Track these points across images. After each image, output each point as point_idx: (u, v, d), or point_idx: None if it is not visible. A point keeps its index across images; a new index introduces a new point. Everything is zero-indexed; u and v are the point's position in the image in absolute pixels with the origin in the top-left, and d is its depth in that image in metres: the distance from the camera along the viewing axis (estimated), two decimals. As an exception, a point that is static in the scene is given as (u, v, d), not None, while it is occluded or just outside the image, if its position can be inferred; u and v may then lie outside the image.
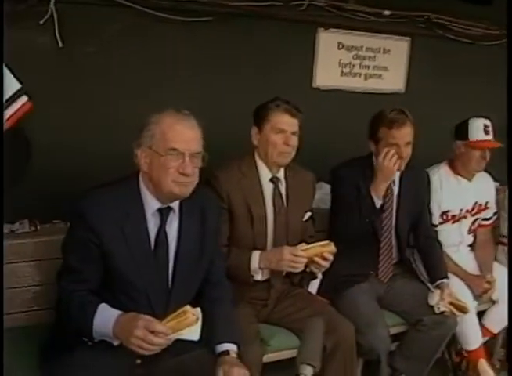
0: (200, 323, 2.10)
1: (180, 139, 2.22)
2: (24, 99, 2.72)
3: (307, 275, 3.04)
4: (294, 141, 2.91)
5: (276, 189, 3.00)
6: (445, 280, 3.37)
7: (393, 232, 3.39)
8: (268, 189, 2.99)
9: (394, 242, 3.42)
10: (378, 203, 3.22)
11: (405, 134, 3.18)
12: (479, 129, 3.58)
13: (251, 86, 3.74)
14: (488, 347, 3.91)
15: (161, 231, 2.31)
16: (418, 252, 3.63)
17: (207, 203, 2.49)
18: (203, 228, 2.44)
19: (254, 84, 3.76)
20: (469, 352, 3.64)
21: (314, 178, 3.22)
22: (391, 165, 3.15)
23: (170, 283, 2.35)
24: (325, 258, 2.81)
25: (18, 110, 2.67)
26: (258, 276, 2.89)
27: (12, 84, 2.65)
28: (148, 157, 2.24)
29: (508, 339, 3.52)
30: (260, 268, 2.85)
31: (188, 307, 2.08)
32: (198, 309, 2.11)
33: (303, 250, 2.78)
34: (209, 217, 2.47)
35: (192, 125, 2.27)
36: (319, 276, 3.04)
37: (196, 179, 2.30)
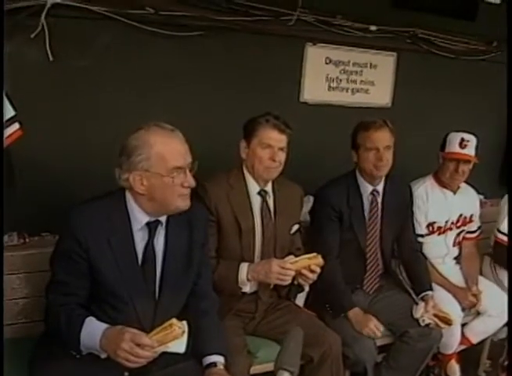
0: (186, 335, 2.10)
1: (178, 156, 2.22)
2: (16, 126, 2.69)
3: (294, 288, 3.04)
4: (281, 157, 2.92)
5: (264, 202, 3.01)
6: (429, 292, 3.38)
7: (378, 244, 3.42)
8: (256, 202, 3.00)
9: (379, 254, 3.45)
10: (367, 219, 3.34)
11: (383, 137, 3.23)
12: (455, 142, 3.61)
13: (239, 100, 3.76)
14: (474, 357, 3.99)
15: (149, 245, 2.31)
16: (402, 264, 3.65)
17: (194, 215, 2.48)
18: (191, 240, 2.45)
19: (242, 97, 3.78)
20: (443, 354, 3.71)
21: (302, 191, 3.23)
22: None
23: (157, 295, 2.35)
24: (312, 271, 2.82)
25: (8, 137, 2.64)
26: (246, 288, 2.89)
27: (6, 111, 2.63)
28: (146, 180, 2.22)
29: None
30: (248, 280, 2.85)
31: (174, 320, 2.09)
32: (184, 322, 2.11)
33: (291, 263, 2.79)
34: (196, 229, 2.47)
35: (182, 139, 2.28)
36: (306, 288, 3.05)
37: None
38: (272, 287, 3.07)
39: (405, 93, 4.48)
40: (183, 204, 2.28)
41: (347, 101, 4.28)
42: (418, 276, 3.51)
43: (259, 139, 2.89)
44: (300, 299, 3.31)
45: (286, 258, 2.84)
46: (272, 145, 2.88)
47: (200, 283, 2.54)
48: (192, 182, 2.26)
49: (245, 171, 2.99)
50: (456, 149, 3.61)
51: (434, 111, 4.62)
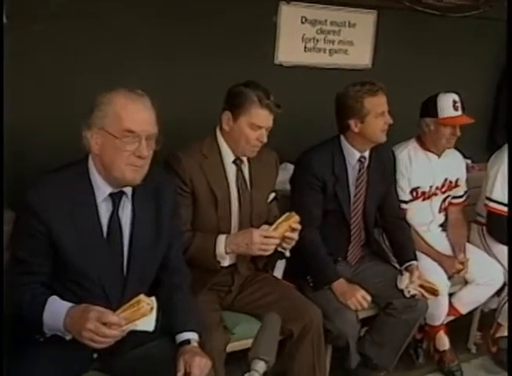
0: (154, 312, 2.07)
1: (135, 120, 2.18)
2: None
3: (274, 257, 3.05)
4: (266, 137, 2.91)
5: (239, 171, 3.00)
6: (414, 262, 3.40)
7: (362, 213, 3.43)
8: (231, 171, 2.98)
9: (362, 224, 3.46)
10: (352, 188, 3.36)
11: (386, 100, 3.29)
12: (448, 105, 3.61)
13: (211, 63, 3.70)
14: (463, 329, 4.04)
15: (114, 217, 2.28)
16: (385, 233, 3.67)
17: (162, 185, 2.47)
18: (159, 211, 2.42)
19: (214, 61, 3.71)
20: (430, 326, 3.75)
21: (277, 157, 3.23)
22: None
23: (125, 270, 2.32)
24: (294, 230, 2.83)
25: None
26: (225, 262, 2.87)
27: None
28: (100, 139, 2.20)
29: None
30: (226, 253, 2.84)
31: (142, 296, 2.07)
32: (153, 298, 2.08)
33: (274, 229, 2.79)
34: (165, 200, 2.45)
35: (146, 106, 2.23)
36: (288, 254, 3.01)
37: (148, 164, 2.27)
38: (250, 258, 3.08)
39: (387, 54, 4.44)
40: (131, 175, 2.22)
41: (324, 62, 4.22)
42: (402, 245, 3.53)
43: (249, 118, 2.84)
44: (278, 270, 3.33)
45: (264, 227, 2.83)
46: (262, 126, 2.86)
47: (170, 257, 2.52)
48: (145, 153, 2.19)
49: (220, 140, 2.96)
50: (452, 112, 3.61)
51: (417, 73, 4.59)
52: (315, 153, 3.34)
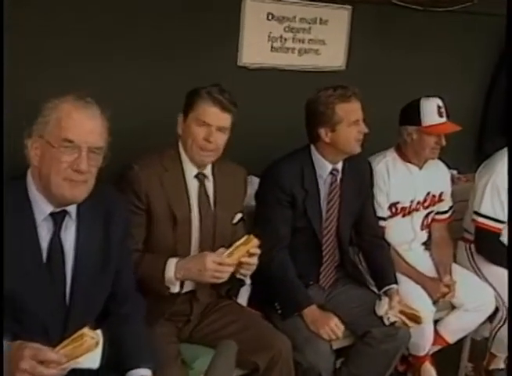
0: (100, 347, 2.06)
1: (77, 129, 2.20)
2: None
3: (235, 283, 3.09)
4: (219, 138, 2.93)
5: (202, 187, 3.04)
6: (394, 286, 3.46)
7: (335, 231, 3.49)
8: (193, 187, 3.02)
9: (336, 243, 3.52)
10: (324, 203, 3.40)
11: (360, 106, 3.34)
12: (432, 111, 3.68)
13: (166, 66, 3.72)
14: (453, 360, 4.09)
15: (55, 239, 2.27)
16: (362, 253, 3.74)
17: (113, 204, 2.48)
18: (108, 234, 2.43)
19: (170, 63, 3.74)
20: (414, 357, 3.80)
21: (245, 174, 3.28)
22: None
23: (67, 300, 2.31)
24: (252, 255, 2.86)
25: None
26: (175, 288, 2.89)
27: None
28: (39, 149, 2.22)
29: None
30: (176, 278, 2.86)
31: (86, 329, 2.06)
32: (98, 331, 2.08)
33: (228, 256, 2.81)
34: (115, 221, 2.46)
35: (93, 115, 2.25)
36: (248, 281, 3.08)
37: (91, 181, 2.28)
38: (210, 284, 3.09)
39: (363, 54, 4.50)
40: (69, 192, 2.22)
41: (293, 64, 4.27)
42: (380, 266, 3.59)
43: (196, 114, 2.90)
44: (243, 297, 3.36)
45: (219, 251, 2.86)
46: (209, 123, 2.89)
47: (120, 285, 2.52)
48: (83, 166, 2.18)
49: (181, 151, 3.00)
50: (436, 119, 3.68)
51: (397, 75, 4.67)
52: (283, 165, 3.40)
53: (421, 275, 3.76)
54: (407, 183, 3.82)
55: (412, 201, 3.86)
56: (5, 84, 2.82)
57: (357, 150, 3.36)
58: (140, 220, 2.89)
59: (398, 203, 3.81)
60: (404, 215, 3.87)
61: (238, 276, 2.96)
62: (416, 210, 3.90)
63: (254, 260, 2.89)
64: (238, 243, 2.84)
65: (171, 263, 2.86)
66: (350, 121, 3.29)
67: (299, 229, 3.40)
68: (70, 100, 2.24)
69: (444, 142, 3.72)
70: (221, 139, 2.94)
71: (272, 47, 4.18)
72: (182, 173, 2.99)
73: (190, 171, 3.01)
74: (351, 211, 3.53)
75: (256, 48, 4.11)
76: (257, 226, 2.98)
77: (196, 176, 3.02)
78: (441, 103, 3.71)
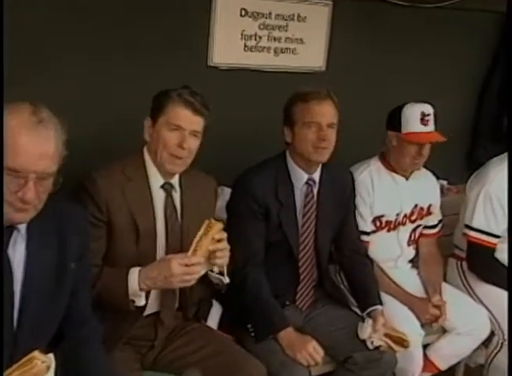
0: (52, 372, 2.06)
1: (23, 157, 2.12)
2: None
3: (204, 304, 3.12)
4: (192, 144, 2.93)
5: (169, 198, 3.04)
6: (378, 307, 3.44)
7: (313, 246, 3.50)
8: (159, 198, 3.02)
9: (314, 259, 3.52)
10: (300, 215, 3.40)
11: (327, 111, 3.31)
12: (415, 118, 3.69)
13: (129, 66, 3.73)
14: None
15: (3, 257, 2.23)
16: (343, 271, 3.74)
17: (69, 217, 2.45)
18: (63, 250, 2.40)
19: (134, 63, 3.74)
20: None
21: (216, 185, 3.30)
22: None
23: (16, 323, 2.28)
24: (219, 240, 2.83)
25: None
26: (141, 301, 2.85)
27: None
28: None
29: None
30: (141, 289, 2.82)
31: (36, 353, 2.05)
32: (50, 355, 2.08)
33: (194, 252, 2.76)
34: (70, 235, 2.43)
35: (45, 138, 2.17)
36: (226, 280, 2.99)
37: (40, 204, 2.24)
38: (177, 306, 3.11)
39: (344, 54, 4.51)
40: (18, 216, 2.19)
41: (269, 64, 4.29)
42: (363, 285, 3.58)
43: (166, 117, 2.90)
44: (213, 319, 3.34)
45: (179, 255, 2.80)
46: (181, 126, 2.89)
47: (76, 305, 2.50)
48: (29, 197, 2.13)
49: (146, 159, 3.00)
50: (418, 127, 3.68)
51: (381, 77, 4.70)
52: (256, 174, 3.41)
53: (408, 295, 3.76)
54: (392, 195, 3.83)
55: (398, 214, 3.87)
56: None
57: (317, 158, 3.35)
58: (100, 233, 2.89)
59: (382, 216, 3.83)
60: (389, 230, 3.88)
61: (215, 271, 2.91)
62: (403, 224, 3.92)
63: (224, 244, 2.86)
64: (198, 235, 2.79)
65: (134, 273, 2.83)
66: (304, 122, 3.30)
67: (274, 244, 3.40)
68: (23, 115, 2.16)
69: (426, 153, 3.74)
70: (194, 145, 2.95)
71: (245, 46, 4.19)
72: (147, 183, 2.99)
73: (156, 180, 3.00)
74: (329, 224, 3.53)
75: (228, 48, 4.12)
76: (228, 241, 2.96)
77: (163, 186, 3.02)
78: (428, 111, 3.72)
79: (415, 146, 3.70)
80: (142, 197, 2.97)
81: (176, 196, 3.07)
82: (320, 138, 3.28)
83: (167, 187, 3.03)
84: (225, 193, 3.67)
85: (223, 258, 2.89)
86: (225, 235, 2.86)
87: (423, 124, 3.68)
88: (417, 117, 3.68)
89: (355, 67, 4.56)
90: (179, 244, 3.04)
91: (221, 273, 2.95)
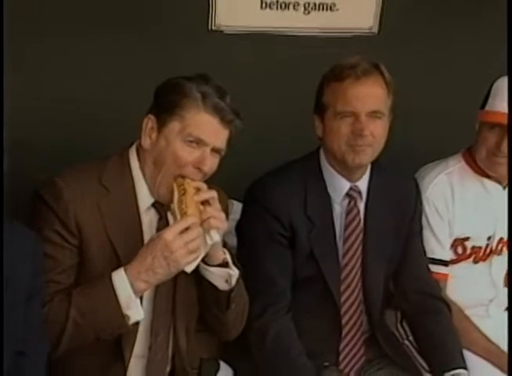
0: None
1: None
2: None
3: (209, 366, 3.14)
4: (212, 164, 2.92)
5: (162, 220, 3.02)
6: (461, 371, 3.37)
7: (360, 285, 3.44)
8: (148, 218, 3.01)
9: (363, 304, 3.47)
10: (340, 240, 3.36)
11: (368, 94, 3.24)
12: (502, 94, 3.59)
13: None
14: None
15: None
16: (407, 320, 3.69)
17: (17, 247, 2.51)
18: (11, 286, 2.44)
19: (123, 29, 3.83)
20: None
21: (227, 201, 3.30)
22: None
23: None
24: (204, 203, 2.84)
25: None
26: (137, 313, 2.82)
27: None
28: None
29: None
30: (138, 292, 2.80)
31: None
32: None
33: (183, 216, 2.79)
34: (20, 270, 2.50)
35: None
36: (226, 370, 3.07)
37: None
38: (168, 371, 3.11)
39: (402, 12, 4.47)
40: None
41: (296, 26, 4.26)
42: (438, 341, 3.53)
43: (183, 125, 2.87)
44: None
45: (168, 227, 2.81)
46: (203, 141, 2.87)
47: (27, 353, 2.58)
48: None
49: (133, 166, 2.99)
50: (503, 106, 3.57)
51: (462, 43, 4.65)
52: (276, 182, 3.38)
53: (504, 354, 3.65)
54: (483, 209, 3.77)
55: (490, 238, 3.80)
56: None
57: (352, 159, 3.27)
58: (67, 259, 2.87)
59: (467, 239, 3.77)
60: (477, 260, 3.82)
61: (213, 237, 2.85)
62: (498, 252, 3.84)
63: (216, 205, 2.89)
64: (176, 199, 2.82)
65: (118, 275, 2.80)
66: (337, 111, 3.23)
67: (304, 281, 3.37)
68: None
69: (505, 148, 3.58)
70: (214, 166, 2.95)
71: (262, 2, 4.17)
72: (134, 198, 2.98)
73: (145, 197, 3.00)
74: (383, 253, 3.49)
75: (238, 5, 4.12)
76: (240, 272, 2.92)
77: (154, 205, 3.01)
78: None
79: (495, 133, 3.58)
80: (125, 216, 2.96)
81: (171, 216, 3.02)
82: (356, 132, 3.21)
83: (157, 206, 3.01)
84: (235, 209, 3.62)
85: (219, 224, 2.88)
86: (212, 194, 2.87)
87: None
88: (504, 94, 3.57)
89: (419, 30, 4.52)
90: (172, 281, 3.00)
91: None
